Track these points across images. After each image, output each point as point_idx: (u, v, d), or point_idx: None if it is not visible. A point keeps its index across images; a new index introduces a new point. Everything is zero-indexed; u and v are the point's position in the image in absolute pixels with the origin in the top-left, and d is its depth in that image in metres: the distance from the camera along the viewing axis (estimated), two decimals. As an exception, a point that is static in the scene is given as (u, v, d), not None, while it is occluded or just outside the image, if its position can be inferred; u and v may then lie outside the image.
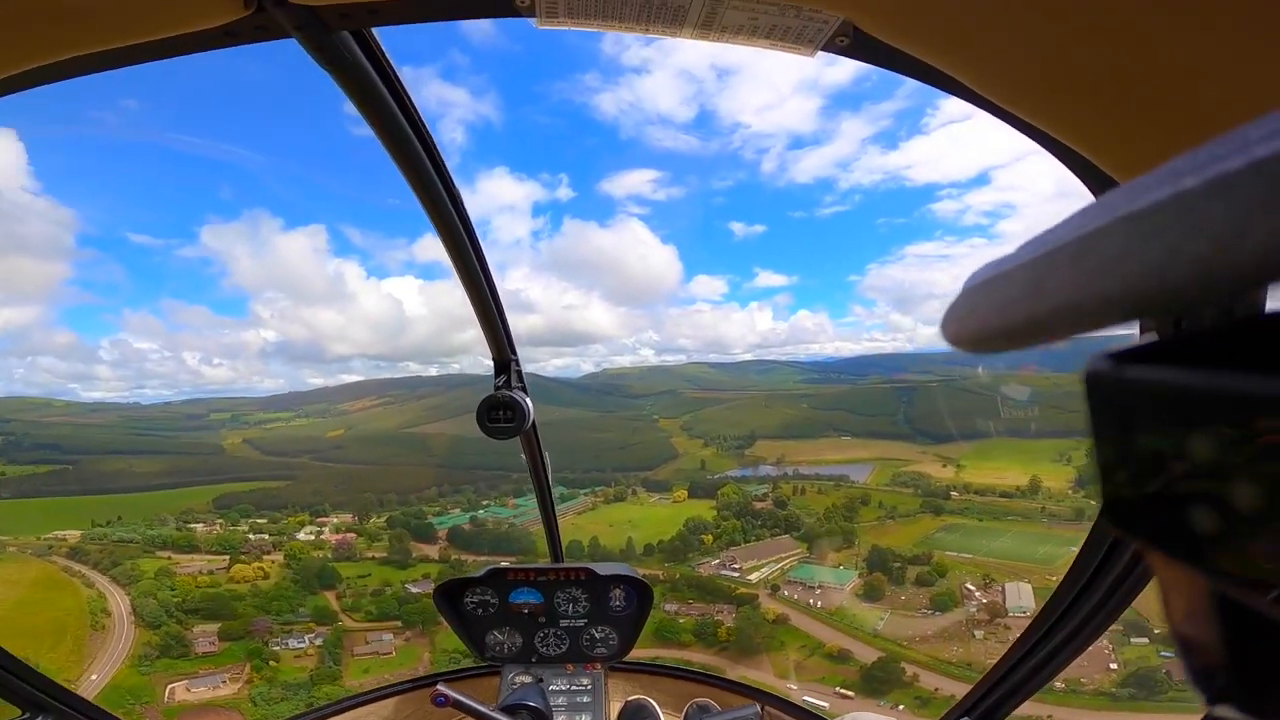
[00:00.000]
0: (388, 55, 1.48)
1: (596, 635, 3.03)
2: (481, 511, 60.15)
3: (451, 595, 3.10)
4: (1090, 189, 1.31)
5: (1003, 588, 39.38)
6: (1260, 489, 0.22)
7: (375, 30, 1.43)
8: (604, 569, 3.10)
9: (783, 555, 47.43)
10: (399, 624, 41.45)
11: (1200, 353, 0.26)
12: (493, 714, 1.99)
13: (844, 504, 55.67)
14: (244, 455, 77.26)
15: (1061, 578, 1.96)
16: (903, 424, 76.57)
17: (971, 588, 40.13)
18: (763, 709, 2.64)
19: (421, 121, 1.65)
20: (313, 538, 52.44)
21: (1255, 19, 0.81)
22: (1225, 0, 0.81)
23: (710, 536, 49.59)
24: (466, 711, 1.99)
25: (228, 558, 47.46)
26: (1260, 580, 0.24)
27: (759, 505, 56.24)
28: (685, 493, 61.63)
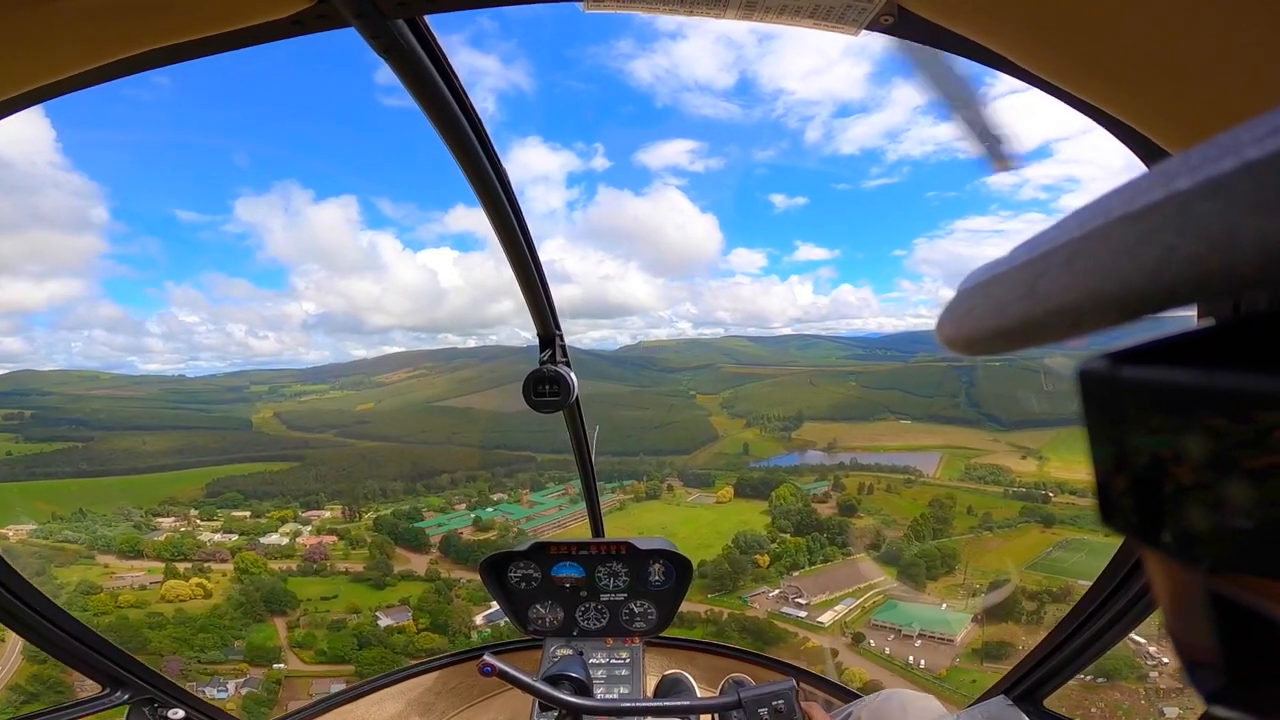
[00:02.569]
0: (439, 41, 1.46)
1: (635, 610, 2.95)
2: (490, 510, 50.00)
3: (497, 568, 2.99)
4: (1144, 163, 1.23)
5: None
6: (1254, 487, 0.22)
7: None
8: (643, 543, 2.96)
9: (862, 586, 35.45)
10: (353, 672, 30.94)
11: (1195, 352, 0.26)
12: (536, 684, 1.92)
13: (930, 510, 43.26)
14: (270, 430, 73.13)
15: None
16: (966, 407, 68.54)
17: (1142, 641, 27.59)
18: (798, 684, 2.44)
19: (471, 105, 1.64)
20: (286, 540, 43.22)
21: None
22: None
23: (766, 557, 37.76)
24: (511, 681, 1.89)
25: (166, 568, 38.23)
26: (1256, 578, 0.24)
27: (821, 509, 44.48)
28: (731, 490, 50.48)
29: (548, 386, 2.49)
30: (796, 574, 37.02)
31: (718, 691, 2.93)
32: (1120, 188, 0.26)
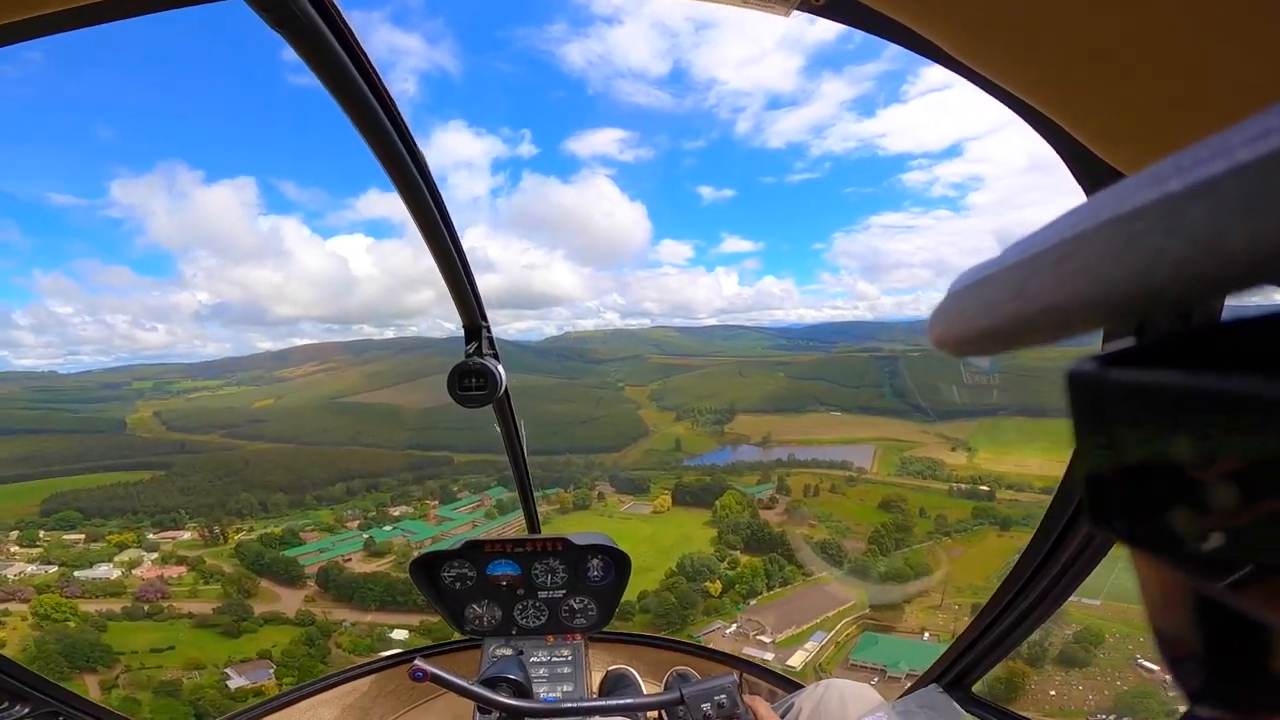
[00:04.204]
0: (344, 13, 1.35)
1: (575, 606, 2.84)
2: (389, 529, 41.77)
3: (429, 568, 2.83)
4: (1067, 161, 1.23)
5: None
6: (1238, 488, 0.22)
7: None
8: (580, 539, 2.83)
9: (831, 615, 30.10)
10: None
11: (1182, 355, 0.26)
12: (472, 687, 1.84)
13: (887, 516, 38.92)
14: (146, 432, 64.11)
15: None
16: (892, 397, 67.41)
17: (1151, 666, 23.68)
18: (741, 676, 2.70)
19: (382, 84, 1.52)
20: (119, 573, 33.88)
21: None
22: None
23: (718, 584, 31.84)
24: (446, 685, 1.81)
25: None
26: (1239, 578, 0.23)
27: (769, 518, 39.34)
28: (668, 498, 44.59)
29: (474, 380, 2.33)
30: (754, 602, 31.57)
31: (662, 686, 2.97)
32: (1111, 189, 0.26)
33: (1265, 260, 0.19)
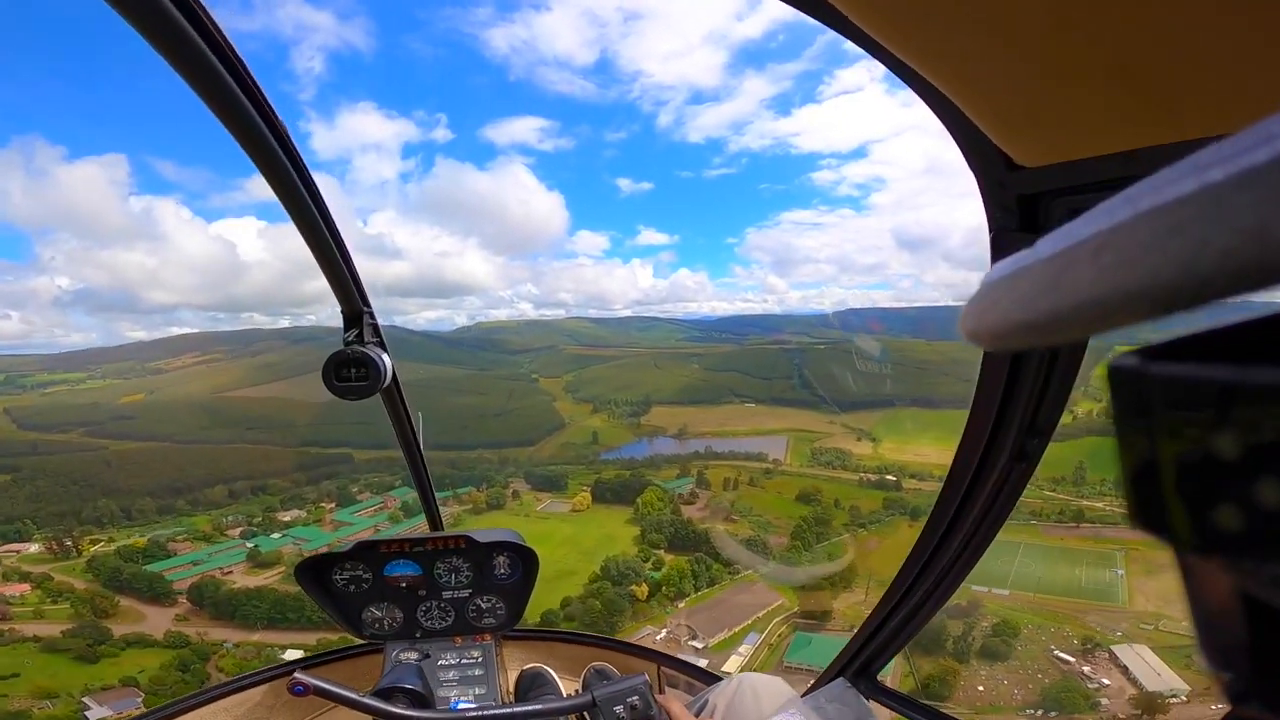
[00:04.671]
0: None
1: (483, 605, 2.72)
2: (277, 536, 37.42)
3: (318, 572, 2.63)
4: (964, 150, 1.20)
5: (1110, 654, 23.85)
6: None
7: None
8: (483, 535, 2.70)
9: (762, 615, 29.18)
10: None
11: (1227, 348, 0.25)
12: (363, 700, 1.72)
13: (806, 509, 38.95)
14: None
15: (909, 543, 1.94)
16: (801, 389, 70.21)
17: (1067, 657, 24.27)
18: (659, 670, 2.78)
19: (229, 46, 1.36)
20: None
21: None
22: None
23: (644, 587, 30.19)
24: (331, 699, 1.70)
25: None
26: None
27: (691, 514, 38.38)
28: (588, 496, 42.73)
29: (353, 370, 2.20)
30: (683, 605, 30.30)
31: (580, 682, 2.90)
32: (1148, 180, 0.25)
33: None
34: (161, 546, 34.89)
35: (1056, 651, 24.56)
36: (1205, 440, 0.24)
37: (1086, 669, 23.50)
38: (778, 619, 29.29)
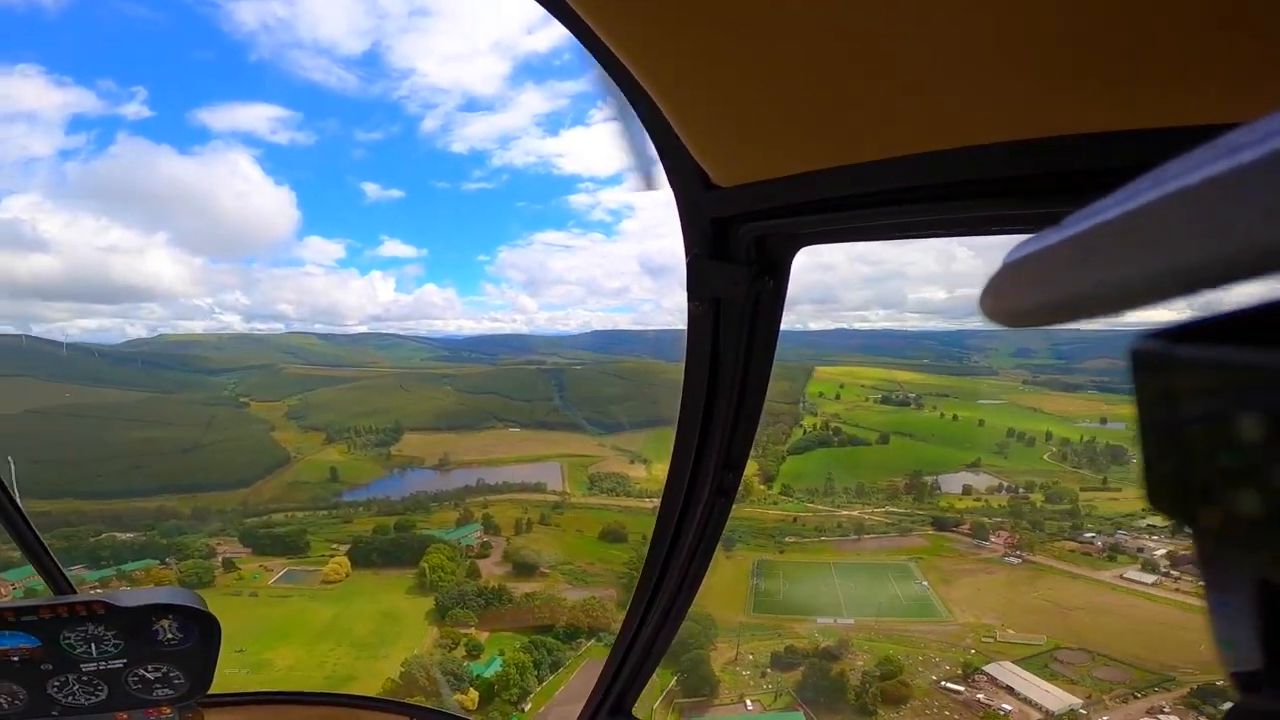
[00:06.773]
0: None
1: (149, 675, 2.49)
2: None
3: None
4: (666, 164, 1.18)
5: (988, 676, 22.82)
6: None
7: None
8: (129, 598, 2.44)
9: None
10: None
11: (1250, 330, 0.24)
12: None
13: (619, 549, 34.05)
14: None
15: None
16: (565, 410, 65.68)
17: (956, 687, 22.69)
18: None
19: None
20: None
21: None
22: None
23: (473, 695, 21.28)
24: None
25: None
26: None
27: (490, 570, 30.49)
28: (345, 561, 30.99)
29: None
30: (529, 706, 22.40)
31: None
32: (1177, 160, 0.24)
33: None
34: None
35: (943, 683, 23.17)
36: (1227, 424, 0.23)
37: (980, 696, 22.35)
38: (656, 703, 22.78)
